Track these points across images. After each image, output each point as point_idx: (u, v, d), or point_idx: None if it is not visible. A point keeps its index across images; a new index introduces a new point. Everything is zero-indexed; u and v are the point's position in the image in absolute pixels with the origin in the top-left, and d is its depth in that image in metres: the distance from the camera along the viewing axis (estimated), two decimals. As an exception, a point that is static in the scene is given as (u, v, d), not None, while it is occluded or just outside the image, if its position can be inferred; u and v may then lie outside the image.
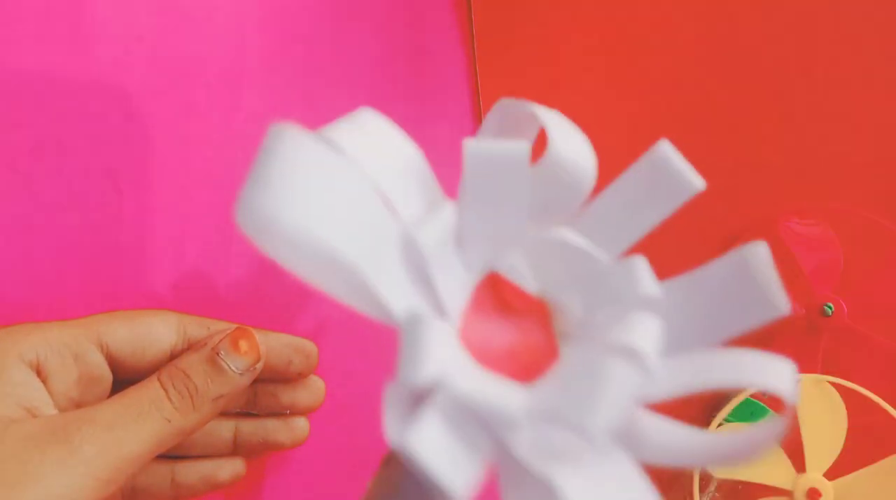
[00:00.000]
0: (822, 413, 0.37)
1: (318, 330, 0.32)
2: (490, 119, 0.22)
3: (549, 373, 0.18)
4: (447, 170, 0.22)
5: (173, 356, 0.26)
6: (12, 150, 0.26)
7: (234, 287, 0.31)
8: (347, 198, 0.17)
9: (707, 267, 0.20)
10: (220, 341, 0.25)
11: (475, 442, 0.17)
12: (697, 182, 0.20)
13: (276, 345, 0.28)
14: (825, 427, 0.37)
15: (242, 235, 0.17)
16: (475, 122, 0.42)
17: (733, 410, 0.38)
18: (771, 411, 0.39)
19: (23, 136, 0.26)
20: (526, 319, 0.21)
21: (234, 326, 0.27)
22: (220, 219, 0.30)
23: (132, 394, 0.24)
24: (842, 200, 0.40)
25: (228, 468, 0.28)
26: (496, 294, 0.21)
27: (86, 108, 0.27)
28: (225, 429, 0.29)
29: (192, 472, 0.28)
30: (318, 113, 0.35)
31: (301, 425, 0.30)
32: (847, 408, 0.37)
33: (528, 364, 0.19)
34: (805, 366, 0.39)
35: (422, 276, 0.19)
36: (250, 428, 0.29)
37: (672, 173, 0.20)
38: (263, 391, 0.29)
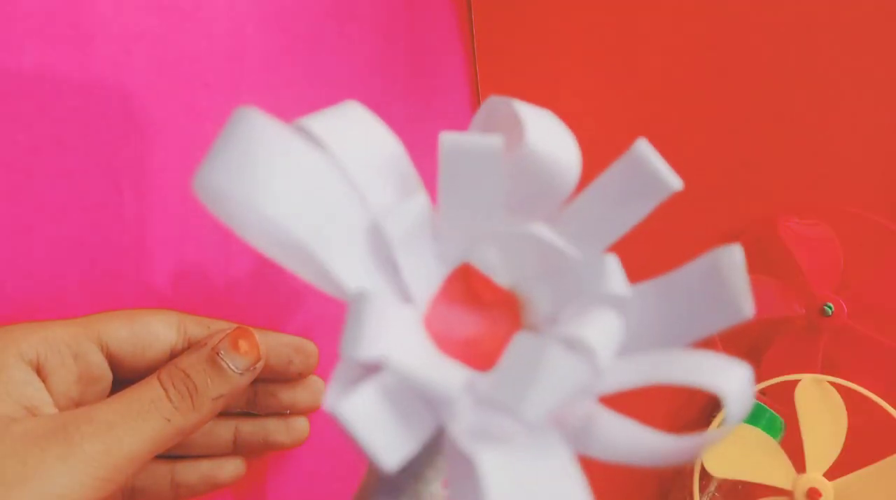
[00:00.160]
0: (822, 413, 0.37)
1: (317, 330, 0.32)
2: (479, 117, 0.22)
3: (500, 358, 0.18)
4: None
5: (173, 356, 0.26)
6: (12, 150, 0.26)
7: (234, 287, 0.31)
8: (305, 179, 0.18)
9: (682, 269, 0.20)
10: (220, 340, 0.25)
11: (413, 419, 0.17)
12: (674, 182, 0.20)
13: (275, 345, 0.28)
14: (825, 427, 0.37)
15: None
16: (475, 121, 0.42)
17: (733, 410, 0.38)
18: (771, 412, 0.39)
19: (23, 136, 0.26)
20: (496, 311, 0.21)
21: (235, 325, 0.27)
22: (221, 219, 0.30)
23: (132, 393, 0.24)
24: (842, 200, 0.40)
25: (228, 468, 0.29)
26: (467, 285, 0.21)
27: (86, 108, 0.27)
28: (225, 429, 0.29)
29: (192, 472, 0.28)
30: (318, 113, 0.35)
31: (301, 424, 0.30)
32: (847, 408, 0.37)
33: (491, 354, 0.19)
34: (805, 366, 0.39)
35: (389, 262, 0.19)
36: (250, 428, 0.29)
37: (649, 173, 0.20)
38: (263, 391, 0.29)
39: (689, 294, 0.20)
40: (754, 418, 0.39)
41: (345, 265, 0.18)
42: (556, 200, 0.21)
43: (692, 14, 0.42)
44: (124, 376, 0.25)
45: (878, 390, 0.37)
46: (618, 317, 0.19)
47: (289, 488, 0.33)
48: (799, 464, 0.37)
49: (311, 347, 0.29)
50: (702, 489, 0.39)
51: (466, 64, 0.42)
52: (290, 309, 0.33)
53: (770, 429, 0.39)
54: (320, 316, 0.33)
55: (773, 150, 0.41)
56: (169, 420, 0.23)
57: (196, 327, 0.27)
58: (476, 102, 0.42)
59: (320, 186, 0.18)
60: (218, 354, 0.25)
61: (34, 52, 0.26)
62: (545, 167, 0.20)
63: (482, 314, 0.21)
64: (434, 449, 0.19)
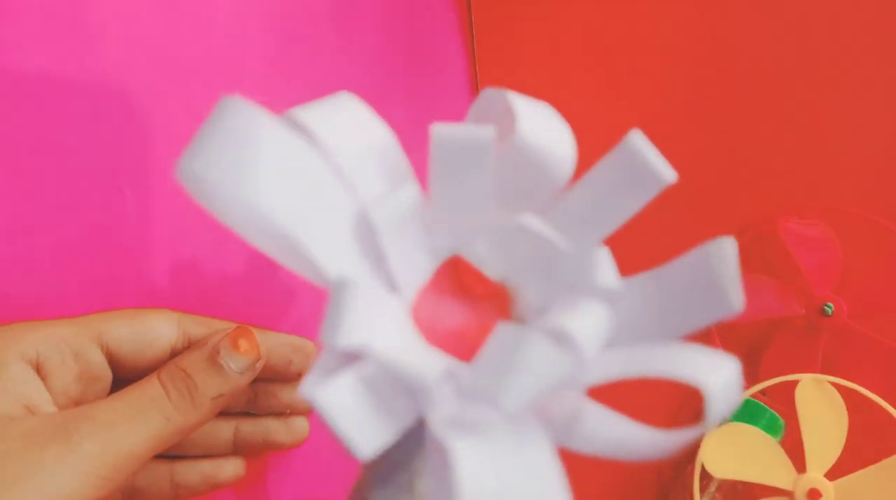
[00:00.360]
0: (823, 413, 0.37)
1: (317, 330, 0.32)
2: (474, 109, 0.22)
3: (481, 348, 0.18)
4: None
5: (173, 355, 0.26)
6: (12, 150, 0.26)
7: (235, 287, 0.31)
8: (290, 168, 0.18)
9: (673, 262, 0.20)
10: (221, 340, 0.25)
11: (392, 409, 0.17)
12: (668, 174, 0.20)
13: (275, 344, 0.28)
14: (825, 427, 0.37)
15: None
16: (475, 121, 0.42)
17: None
18: (771, 412, 0.39)
19: (23, 136, 0.26)
20: (485, 302, 0.21)
21: (235, 325, 0.27)
22: (221, 218, 0.30)
23: (132, 392, 0.24)
24: (842, 200, 0.40)
25: (228, 468, 0.28)
26: (457, 277, 0.21)
27: (86, 108, 0.27)
28: (225, 429, 0.29)
29: (191, 472, 0.28)
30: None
31: (301, 424, 0.30)
32: (847, 408, 0.37)
33: (478, 345, 0.19)
34: (805, 366, 0.39)
35: (377, 251, 0.19)
36: (250, 428, 0.29)
37: (643, 165, 0.20)
38: (263, 391, 0.29)
39: (679, 287, 0.20)
40: (754, 418, 0.39)
41: (328, 254, 0.18)
42: (549, 192, 0.21)
43: (692, 13, 0.42)
44: (124, 376, 0.25)
45: (878, 390, 0.37)
46: (605, 309, 0.19)
47: (289, 488, 0.33)
48: (799, 464, 0.37)
49: (310, 346, 0.29)
50: (702, 490, 0.39)
51: (466, 63, 0.42)
52: (289, 309, 0.33)
53: (770, 429, 0.39)
54: (319, 316, 0.33)
55: (772, 150, 0.41)
56: (169, 419, 0.23)
57: (196, 326, 0.27)
58: (476, 102, 0.42)
59: (305, 175, 0.18)
60: (218, 353, 0.25)
61: (34, 52, 0.26)
62: (538, 159, 0.20)
63: (471, 306, 0.21)
64: (423, 441, 0.19)
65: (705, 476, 0.39)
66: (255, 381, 0.27)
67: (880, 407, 0.36)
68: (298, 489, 0.33)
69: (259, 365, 0.26)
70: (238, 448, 0.29)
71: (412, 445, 0.19)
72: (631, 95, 0.42)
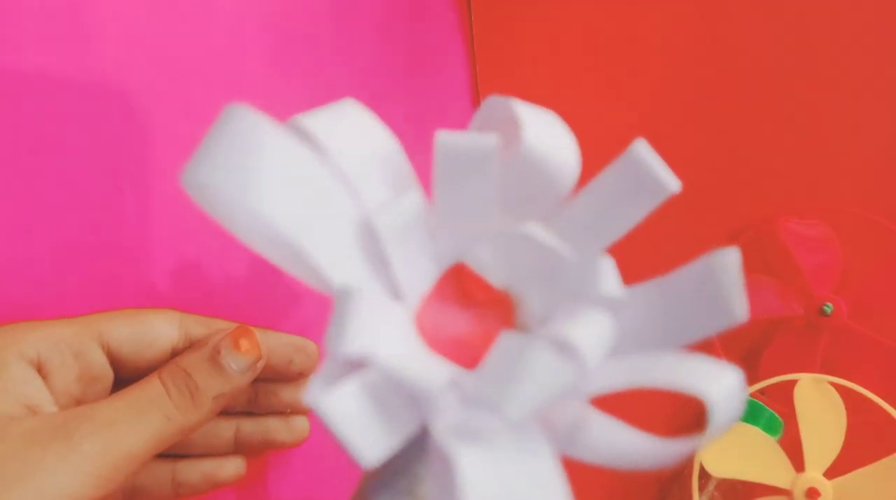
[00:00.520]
0: (822, 413, 0.37)
1: (317, 330, 0.32)
2: (478, 117, 0.22)
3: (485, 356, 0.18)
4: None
5: (174, 355, 0.26)
6: (12, 150, 0.26)
7: (235, 286, 0.31)
8: (294, 175, 0.18)
9: (677, 271, 0.20)
10: (221, 339, 0.25)
11: (396, 416, 0.17)
12: (672, 183, 0.20)
13: (276, 344, 0.28)
14: (824, 427, 0.37)
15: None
16: (475, 121, 0.42)
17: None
18: (770, 411, 0.39)
19: (23, 136, 0.26)
20: (488, 310, 0.21)
21: (235, 325, 0.27)
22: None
23: (133, 392, 0.24)
24: (842, 200, 0.40)
25: (229, 467, 0.29)
26: (460, 284, 0.21)
27: (86, 108, 0.27)
28: (226, 428, 0.29)
29: (193, 471, 0.28)
30: (318, 113, 0.35)
31: (302, 424, 0.30)
32: (846, 407, 0.37)
33: (481, 353, 0.19)
34: (805, 366, 0.39)
35: (381, 259, 0.19)
36: (251, 427, 0.29)
37: (647, 174, 0.20)
38: (264, 391, 0.29)
39: (683, 297, 0.20)
40: (754, 417, 0.39)
41: (333, 261, 0.18)
42: (553, 200, 0.21)
43: (692, 14, 0.42)
44: (125, 375, 0.25)
45: (878, 390, 0.37)
46: (608, 319, 0.19)
47: (289, 487, 0.33)
48: (798, 463, 0.37)
49: (311, 346, 0.29)
50: (701, 489, 0.39)
51: (466, 63, 0.42)
52: (289, 309, 0.33)
53: (769, 429, 0.39)
54: (320, 316, 0.33)
55: (772, 150, 0.41)
56: (170, 419, 0.23)
57: (197, 326, 0.27)
58: (476, 102, 0.42)
59: (309, 182, 0.18)
60: (219, 353, 0.25)
61: (34, 52, 0.26)
62: (542, 167, 0.20)
63: (474, 314, 0.21)
64: (425, 447, 0.19)
65: (704, 475, 0.39)
66: (256, 380, 0.27)
67: (880, 407, 0.36)
68: (298, 489, 0.33)
69: (260, 365, 0.26)
70: (239, 448, 0.29)
71: (414, 450, 0.19)
72: (631, 96, 0.42)
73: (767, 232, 0.41)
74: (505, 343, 0.17)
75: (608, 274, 0.20)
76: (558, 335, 0.17)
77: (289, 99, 0.34)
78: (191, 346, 0.26)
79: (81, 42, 0.27)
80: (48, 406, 0.23)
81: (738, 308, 0.19)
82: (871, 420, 0.36)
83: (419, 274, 0.21)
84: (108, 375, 0.25)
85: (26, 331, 0.23)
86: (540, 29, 0.43)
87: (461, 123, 0.41)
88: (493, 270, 0.22)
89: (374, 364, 0.17)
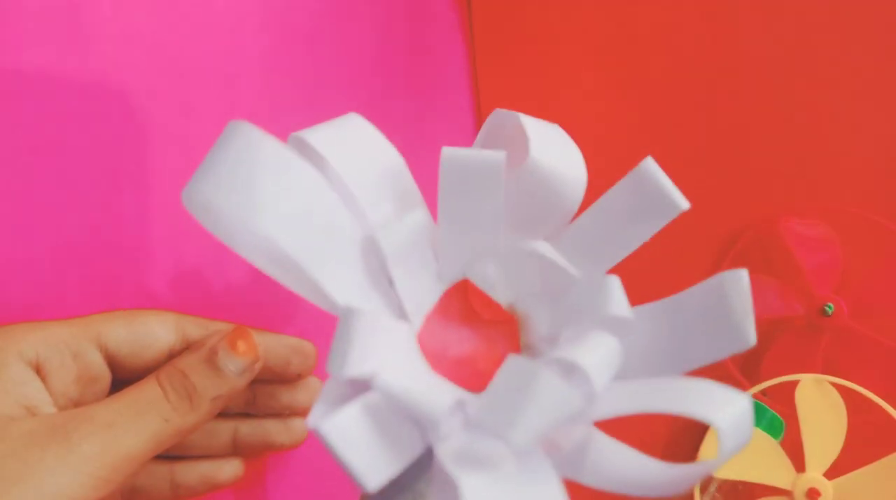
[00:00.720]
0: (822, 413, 0.37)
1: (316, 331, 0.32)
2: (484, 130, 0.22)
3: (491, 381, 0.18)
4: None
5: (172, 356, 0.26)
6: (12, 150, 0.26)
7: (233, 288, 0.31)
8: (298, 194, 0.18)
9: (685, 293, 0.20)
10: (219, 341, 0.25)
11: (399, 440, 0.17)
12: (681, 202, 0.20)
13: (274, 346, 0.28)
14: (825, 427, 0.37)
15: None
16: (474, 120, 0.42)
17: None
18: (772, 412, 0.39)
19: (23, 136, 0.26)
20: (494, 329, 0.21)
21: (233, 326, 0.27)
22: (220, 219, 0.30)
23: (130, 393, 0.24)
24: (842, 200, 0.40)
25: (227, 469, 0.29)
26: (465, 302, 0.21)
27: (85, 108, 0.27)
28: (224, 430, 0.29)
29: (191, 472, 0.28)
30: (318, 112, 0.35)
31: (300, 425, 0.30)
32: (847, 408, 0.37)
33: (485, 374, 0.19)
34: (805, 366, 0.39)
35: (385, 277, 0.19)
36: (249, 429, 0.29)
37: (656, 192, 0.20)
38: (262, 392, 0.29)
39: (691, 319, 0.20)
40: (756, 418, 0.39)
41: (337, 281, 0.18)
42: (560, 217, 0.21)
43: (693, 14, 0.42)
44: (123, 377, 0.25)
45: (878, 390, 0.37)
46: (617, 342, 0.19)
47: (289, 488, 0.33)
48: (799, 464, 0.37)
49: (309, 347, 0.29)
50: (702, 489, 0.39)
51: (466, 62, 0.42)
52: (288, 310, 0.33)
53: (770, 429, 0.39)
54: (319, 317, 0.33)
55: (773, 150, 0.41)
56: (167, 420, 0.23)
57: (194, 327, 0.27)
58: (476, 102, 0.42)
59: (314, 202, 0.18)
60: (216, 354, 0.25)
61: (34, 53, 0.26)
62: (549, 183, 0.20)
63: (479, 333, 0.21)
64: (428, 464, 0.19)
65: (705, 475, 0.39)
66: (254, 382, 0.27)
67: (880, 407, 0.36)
68: (297, 490, 0.33)
69: (257, 366, 0.26)
70: (237, 449, 0.29)
71: (417, 468, 0.19)
72: (631, 96, 0.42)
73: (768, 232, 0.41)
74: (511, 368, 0.17)
75: (616, 293, 0.20)
76: (569, 359, 0.17)
77: (289, 99, 0.34)
78: (188, 347, 0.26)
79: (81, 42, 0.27)
80: (47, 407, 0.23)
81: (749, 332, 0.19)
82: (871, 420, 0.36)
83: (424, 293, 0.20)
84: (106, 376, 0.25)
85: (25, 332, 0.23)
86: (540, 29, 0.43)
87: (461, 123, 0.41)
88: (498, 288, 0.21)
89: (378, 387, 0.17)
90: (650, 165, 0.20)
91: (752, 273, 0.19)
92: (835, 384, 0.37)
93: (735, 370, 0.40)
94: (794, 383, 0.37)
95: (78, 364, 0.24)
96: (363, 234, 0.19)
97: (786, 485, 0.37)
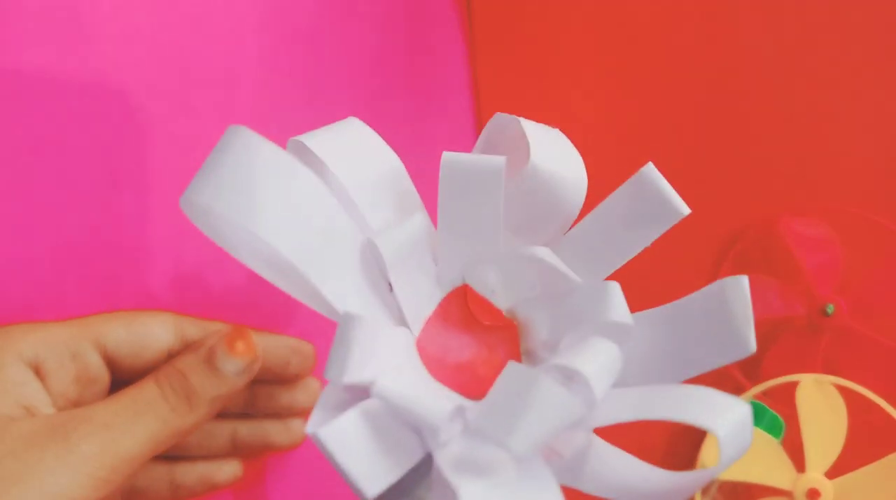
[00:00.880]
0: (823, 413, 0.37)
1: (315, 331, 0.32)
2: (484, 135, 0.22)
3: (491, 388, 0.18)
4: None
5: (170, 357, 0.26)
6: (12, 150, 0.26)
7: (232, 288, 0.31)
8: (298, 200, 0.18)
9: (685, 299, 0.20)
10: (217, 341, 0.25)
11: (398, 447, 0.17)
12: (682, 207, 0.20)
13: (273, 346, 0.28)
14: (825, 427, 0.37)
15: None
16: (474, 120, 0.42)
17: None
18: (772, 412, 0.39)
19: (23, 136, 0.26)
20: (493, 335, 0.21)
21: (232, 326, 0.27)
22: (220, 219, 0.30)
23: (129, 394, 0.24)
24: (842, 200, 0.40)
25: (226, 470, 0.29)
26: (465, 308, 0.21)
27: (85, 108, 0.27)
28: (223, 430, 0.29)
29: (190, 473, 0.28)
30: (318, 112, 0.35)
31: (299, 426, 0.30)
32: (847, 408, 0.37)
33: (485, 379, 0.19)
34: (806, 366, 0.39)
35: (385, 283, 0.19)
36: (248, 429, 0.29)
37: (657, 198, 0.20)
38: (261, 393, 0.29)
39: (691, 325, 0.19)
40: (756, 418, 0.39)
41: (336, 287, 0.18)
42: (560, 223, 0.21)
43: (692, 13, 0.42)
44: (122, 377, 0.26)
45: (879, 390, 0.37)
46: (617, 349, 0.19)
47: (289, 488, 0.33)
48: (799, 464, 0.37)
49: (308, 348, 0.29)
50: (703, 491, 0.39)
51: (466, 62, 0.42)
52: (287, 311, 0.33)
53: (771, 429, 0.39)
54: (318, 318, 0.33)
55: (773, 150, 0.41)
56: (166, 421, 0.23)
57: (193, 328, 0.27)
58: (476, 102, 0.42)
59: (312, 206, 0.18)
60: (214, 355, 0.25)
61: (34, 53, 0.26)
62: (550, 189, 0.20)
63: (479, 338, 0.21)
64: (427, 470, 0.18)
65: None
66: (253, 382, 0.27)
67: (880, 407, 0.36)
68: (297, 490, 0.33)
69: (256, 367, 0.26)
70: (236, 450, 0.29)
71: (417, 473, 0.18)
72: (631, 96, 0.42)
73: (768, 232, 0.41)
74: (511, 375, 0.17)
75: (616, 299, 0.20)
76: (566, 366, 0.17)
77: (288, 99, 0.34)
78: (187, 348, 0.26)
79: (81, 42, 0.27)
80: (46, 408, 0.23)
81: (749, 339, 0.19)
82: (871, 420, 0.36)
83: (423, 298, 0.20)
84: (105, 377, 0.25)
85: (24, 333, 0.23)
86: (540, 29, 0.43)
87: (461, 123, 0.41)
88: (498, 293, 0.21)
89: (377, 394, 0.17)
90: (651, 171, 0.20)
91: (752, 273, 0.19)
92: (835, 384, 0.37)
93: (735, 371, 0.40)
94: (795, 384, 0.37)
95: (77, 365, 0.24)
96: (363, 239, 0.19)
97: (786, 485, 0.37)
